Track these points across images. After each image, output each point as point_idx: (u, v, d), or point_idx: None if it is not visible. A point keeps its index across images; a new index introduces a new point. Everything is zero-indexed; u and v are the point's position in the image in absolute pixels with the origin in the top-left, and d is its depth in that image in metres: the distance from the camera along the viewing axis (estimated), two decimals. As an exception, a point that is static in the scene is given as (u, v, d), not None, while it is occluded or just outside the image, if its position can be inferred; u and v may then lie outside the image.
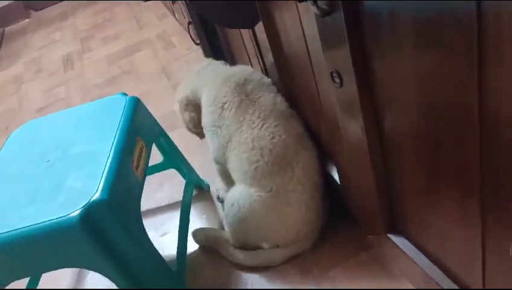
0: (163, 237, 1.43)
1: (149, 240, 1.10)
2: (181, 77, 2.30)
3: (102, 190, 0.96)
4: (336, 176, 1.18)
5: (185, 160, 1.49)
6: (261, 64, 1.32)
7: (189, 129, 1.41)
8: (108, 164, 1.03)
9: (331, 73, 0.86)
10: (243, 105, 1.21)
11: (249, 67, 1.33)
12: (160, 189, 1.61)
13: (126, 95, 1.30)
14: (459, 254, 0.84)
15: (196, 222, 1.45)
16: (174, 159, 1.48)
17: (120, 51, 2.88)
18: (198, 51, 2.34)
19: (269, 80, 1.27)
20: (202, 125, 1.33)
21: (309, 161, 1.17)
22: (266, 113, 1.19)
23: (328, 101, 0.97)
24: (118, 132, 1.13)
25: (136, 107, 1.24)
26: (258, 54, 1.29)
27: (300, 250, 1.21)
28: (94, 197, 0.95)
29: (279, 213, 1.17)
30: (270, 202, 1.15)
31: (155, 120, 1.34)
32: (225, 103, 1.24)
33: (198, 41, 1.75)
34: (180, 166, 1.50)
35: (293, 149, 1.16)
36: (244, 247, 1.26)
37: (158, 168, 1.49)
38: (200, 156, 1.59)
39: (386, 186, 0.97)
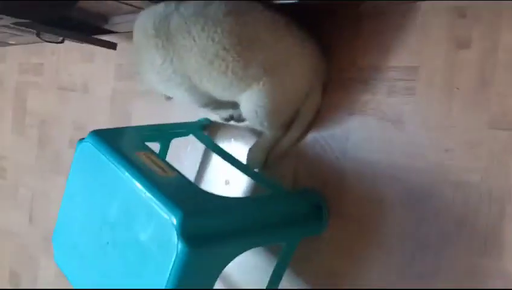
0: (228, 185, 1.42)
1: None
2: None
3: (172, 212, 0.93)
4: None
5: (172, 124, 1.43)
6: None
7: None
8: (146, 193, 0.99)
9: None
10: (164, 41, 1.12)
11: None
12: (183, 160, 1.57)
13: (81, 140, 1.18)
14: None
15: (232, 148, 1.43)
16: (163, 134, 1.42)
17: None
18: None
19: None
20: (161, 92, 1.29)
21: (261, 15, 1.09)
22: (180, 29, 1.10)
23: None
24: (116, 167, 1.05)
25: (101, 137, 1.14)
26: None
27: (323, 80, 1.20)
28: (174, 221, 0.92)
29: (292, 73, 1.13)
30: (278, 77, 1.11)
31: (130, 128, 1.25)
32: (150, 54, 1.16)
33: (60, 39, 1.55)
34: (174, 132, 1.44)
35: (237, 22, 1.07)
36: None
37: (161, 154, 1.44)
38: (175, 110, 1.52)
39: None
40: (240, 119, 1.38)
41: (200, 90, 1.18)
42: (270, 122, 1.19)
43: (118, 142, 1.14)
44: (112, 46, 1.65)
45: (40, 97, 2.32)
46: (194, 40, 1.09)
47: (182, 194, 1.02)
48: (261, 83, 1.11)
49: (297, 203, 1.18)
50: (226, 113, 1.38)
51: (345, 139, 1.17)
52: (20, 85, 2.47)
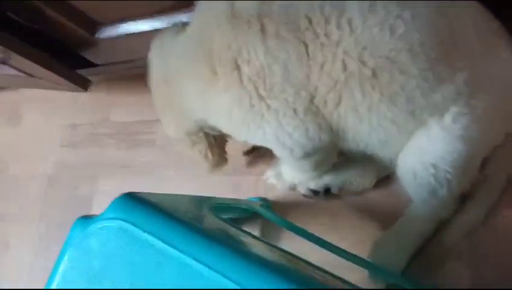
0: None
1: None
2: None
3: None
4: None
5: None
6: None
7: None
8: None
9: None
10: (282, 27, 0.61)
11: None
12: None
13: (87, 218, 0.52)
14: None
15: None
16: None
17: None
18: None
19: None
20: (226, 131, 0.74)
21: (470, 5, 0.65)
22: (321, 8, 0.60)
23: None
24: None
25: (155, 212, 0.50)
26: None
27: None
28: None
29: (493, 104, 0.65)
30: (475, 108, 0.62)
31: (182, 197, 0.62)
32: (241, 53, 0.63)
33: None
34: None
35: (439, 9, 0.60)
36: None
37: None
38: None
39: None
40: (343, 191, 0.83)
41: (318, 123, 0.64)
42: (455, 186, 0.67)
43: (185, 218, 0.51)
44: (83, 85, 1.01)
45: None
46: (350, 27, 0.58)
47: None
48: (447, 116, 0.62)
49: None
50: (318, 183, 0.82)
51: None
52: None
